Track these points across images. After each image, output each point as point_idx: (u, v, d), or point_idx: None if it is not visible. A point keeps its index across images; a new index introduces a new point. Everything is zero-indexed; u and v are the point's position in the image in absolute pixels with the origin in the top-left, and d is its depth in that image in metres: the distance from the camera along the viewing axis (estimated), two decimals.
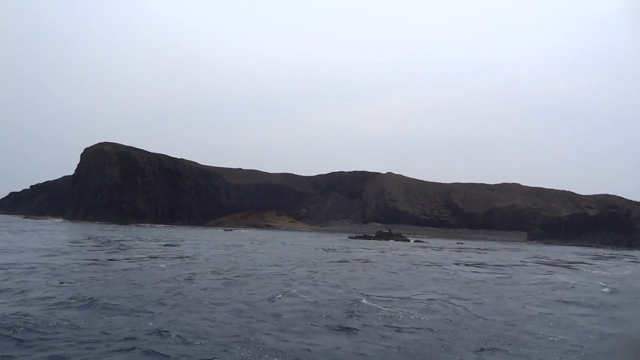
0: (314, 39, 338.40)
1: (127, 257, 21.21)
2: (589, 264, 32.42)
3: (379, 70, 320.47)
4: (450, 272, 20.87)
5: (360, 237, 72.74)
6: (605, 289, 17.29)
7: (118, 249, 26.04)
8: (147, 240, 36.29)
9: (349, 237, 72.51)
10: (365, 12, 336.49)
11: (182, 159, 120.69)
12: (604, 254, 54.47)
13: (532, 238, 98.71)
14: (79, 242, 30.72)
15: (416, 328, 9.27)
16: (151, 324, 8.51)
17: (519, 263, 29.02)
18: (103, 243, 30.12)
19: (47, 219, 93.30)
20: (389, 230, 78.36)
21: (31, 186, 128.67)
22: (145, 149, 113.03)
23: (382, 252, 34.75)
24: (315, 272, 18.36)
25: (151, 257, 21.27)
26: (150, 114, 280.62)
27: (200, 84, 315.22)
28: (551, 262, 31.67)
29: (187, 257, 22.70)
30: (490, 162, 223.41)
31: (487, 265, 26.06)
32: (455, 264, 25.20)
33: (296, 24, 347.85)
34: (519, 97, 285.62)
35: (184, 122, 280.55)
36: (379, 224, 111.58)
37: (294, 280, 15.35)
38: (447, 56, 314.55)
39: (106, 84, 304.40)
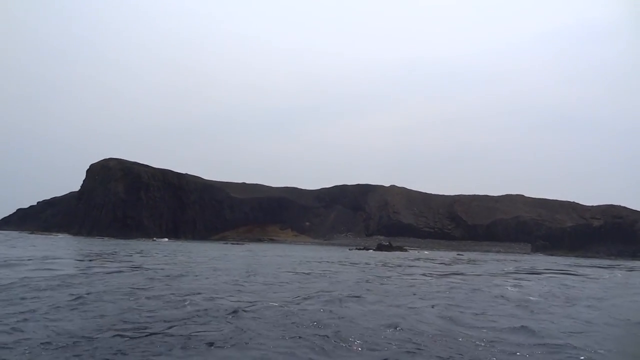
0: (314, 52, 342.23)
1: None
2: (568, 272, 32.01)
3: (380, 82, 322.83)
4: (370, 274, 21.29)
5: (360, 249, 73.30)
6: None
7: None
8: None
9: (350, 249, 72.90)
10: (368, 24, 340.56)
11: (186, 173, 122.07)
12: (603, 264, 54.05)
13: (536, 249, 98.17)
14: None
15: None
16: None
17: (483, 274, 28.86)
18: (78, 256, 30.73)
19: (52, 234, 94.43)
20: (389, 242, 78.48)
21: (38, 202, 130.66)
22: (150, 164, 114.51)
23: (353, 263, 34.84)
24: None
25: None
26: (155, 130, 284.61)
27: (203, 99, 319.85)
28: (528, 272, 30.95)
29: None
30: (493, 174, 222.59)
31: (448, 274, 25.83)
32: (423, 274, 25.25)
33: (299, 36, 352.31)
34: (522, 108, 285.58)
35: (188, 137, 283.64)
36: (382, 237, 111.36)
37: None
38: (449, 68, 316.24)
39: (111, 100, 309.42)
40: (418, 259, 44.82)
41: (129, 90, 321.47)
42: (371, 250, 68.59)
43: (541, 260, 56.43)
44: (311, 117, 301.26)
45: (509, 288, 18.40)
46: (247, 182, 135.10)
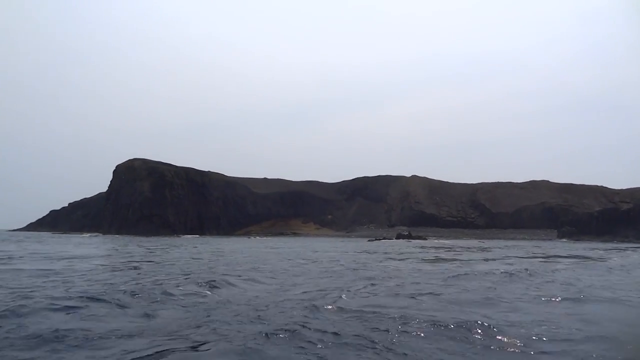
0: (332, 44, 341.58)
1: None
2: (576, 256, 31.48)
3: (398, 72, 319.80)
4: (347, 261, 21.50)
5: (379, 239, 73.47)
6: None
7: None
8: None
9: (368, 240, 73.17)
10: (383, 14, 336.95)
11: (208, 171, 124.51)
12: (627, 247, 52.74)
13: (562, 235, 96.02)
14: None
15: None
16: None
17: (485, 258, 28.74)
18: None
19: (83, 234, 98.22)
20: (409, 232, 78.42)
21: (69, 204, 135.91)
22: (173, 163, 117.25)
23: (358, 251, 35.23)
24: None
25: None
26: (177, 129, 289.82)
27: (223, 96, 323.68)
28: (534, 256, 30.42)
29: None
30: (517, 160, 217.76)
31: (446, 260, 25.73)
32: (415, 259, 25.48)
33: (315, 31, 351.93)
34: (546, 93, 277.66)
35: (209, 135, 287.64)
36: (405, 228, 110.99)
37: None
38: (467, 55, 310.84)
39: (133, 101, 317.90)
40: (431, 247, 44.88)
41: (148, 91, 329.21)
42: (388, 240, 68.64)
43: (561, 246, 55.43)
44: (329, 110, 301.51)
45: (478, 267, 18.84)
46: (268, 177, 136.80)
